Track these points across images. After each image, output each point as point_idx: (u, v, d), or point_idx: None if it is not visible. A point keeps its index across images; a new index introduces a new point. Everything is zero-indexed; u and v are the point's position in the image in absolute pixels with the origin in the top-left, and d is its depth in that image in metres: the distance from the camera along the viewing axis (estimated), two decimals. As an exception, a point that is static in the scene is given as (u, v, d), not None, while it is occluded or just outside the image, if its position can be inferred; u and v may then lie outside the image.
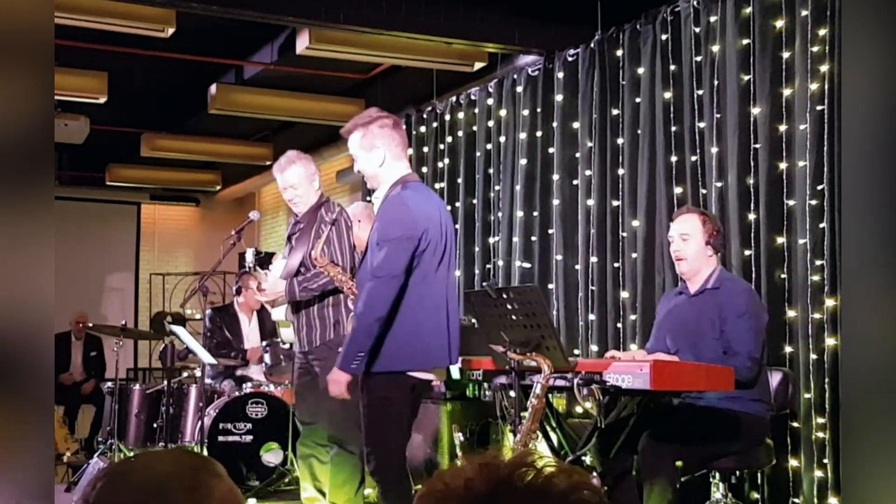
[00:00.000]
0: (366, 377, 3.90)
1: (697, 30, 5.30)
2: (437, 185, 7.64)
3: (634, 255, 5.67)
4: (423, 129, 7.90)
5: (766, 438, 4.23)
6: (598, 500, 1.07)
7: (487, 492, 1.06)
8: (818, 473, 4.48)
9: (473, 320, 5.77)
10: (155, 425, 6.75)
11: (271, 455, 6.34)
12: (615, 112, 5.92)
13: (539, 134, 6.51)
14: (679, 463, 3.98)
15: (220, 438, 6.30)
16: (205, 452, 6.06)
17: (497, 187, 6.95)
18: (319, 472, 4.81)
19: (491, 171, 7.04)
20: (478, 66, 7.21)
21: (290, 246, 4.87)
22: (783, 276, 4.76)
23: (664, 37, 5.53)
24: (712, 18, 5.19)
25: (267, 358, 6.70)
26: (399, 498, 3.87)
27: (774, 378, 4.41)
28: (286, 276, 4.71)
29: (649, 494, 3.87)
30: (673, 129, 5.45)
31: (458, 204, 7.37)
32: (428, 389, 4.43)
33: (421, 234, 3.81)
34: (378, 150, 3.92)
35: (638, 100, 5.72)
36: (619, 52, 5.91)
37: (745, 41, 4.98)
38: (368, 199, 5.02)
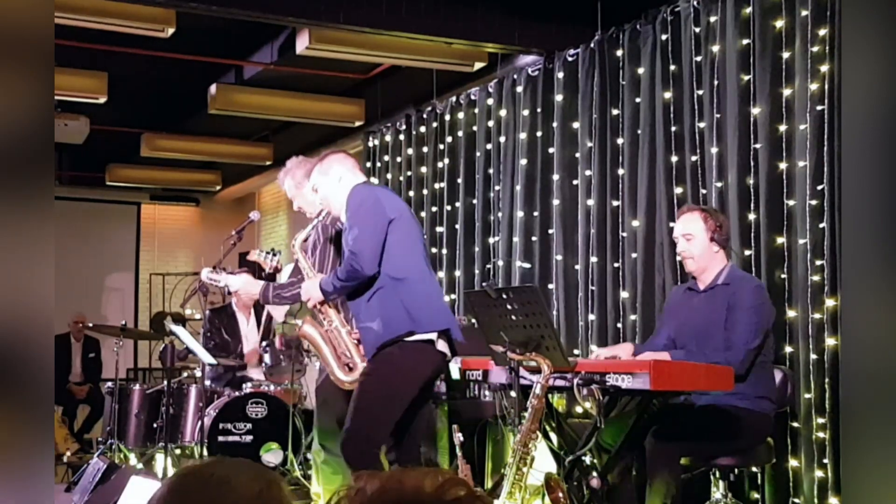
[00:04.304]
0: (386, 345, 3.90)
1: (697, 30, 5.29)
2: (437, 185, 7.64)
3: (634, 255, 5.67)
4: (423, 129, 7.90)
5: (768, 436, 4.24)
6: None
7: None
8: (818, 473, 4.48)
9: (473, 320, 5.77)
10: (155, 425, 6.74)
11: (271, 455, 6.33)
12: (615, 112, 5.92)
13: (539, 134, 6.51)
14: (684, 461, 3.99)
15: (220, 438, 6.29)
16: (205, 453, 6.06)
17: (497, 187, 6.95)
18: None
19: (491, 171, 7.03)
20: (478, 66, 7.21)
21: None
22: (783, 276, 4.76)
23: (664, 37, 5.52)
24: (712, 18, 5.19)
25: (267, 358, 6.69)
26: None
27: (775, 378, 4.41)
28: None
29: (652, 492, 3.87)
30: (673, 129, 5.44)
31: (458, 204, 7.37)
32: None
33: (386, 209, 4.02)
34: (334, 169, 4.22)
35: (638, 100, 5.71)
36: (619, 52, 5.90)
37: (745, 41, 4.98)
38: None
